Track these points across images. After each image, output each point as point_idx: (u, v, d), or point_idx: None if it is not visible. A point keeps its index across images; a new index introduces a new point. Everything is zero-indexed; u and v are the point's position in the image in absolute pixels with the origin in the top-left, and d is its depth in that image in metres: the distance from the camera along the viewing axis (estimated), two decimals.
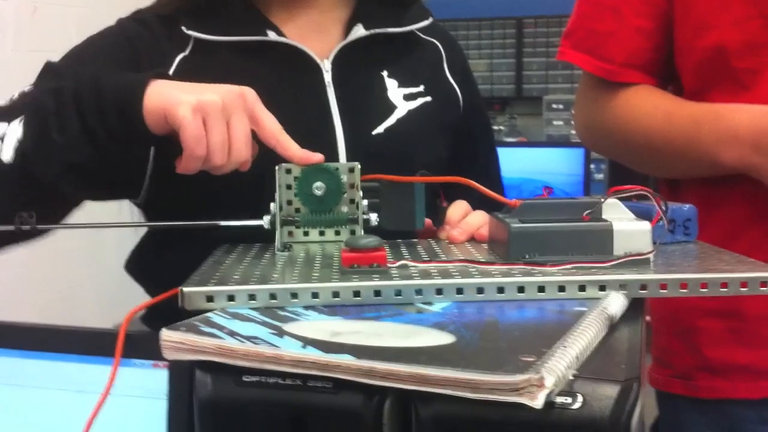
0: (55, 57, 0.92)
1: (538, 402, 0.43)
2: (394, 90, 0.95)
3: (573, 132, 3.14)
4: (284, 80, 0.91)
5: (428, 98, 0.96)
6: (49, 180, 0.76)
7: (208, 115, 0.71)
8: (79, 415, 0.57)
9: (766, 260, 0.64)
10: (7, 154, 0.76)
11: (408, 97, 0.95)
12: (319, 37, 0.94)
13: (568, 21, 1.06)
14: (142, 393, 0.64)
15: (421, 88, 0.96)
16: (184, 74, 0.87)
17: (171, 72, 0.89)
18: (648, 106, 0.99)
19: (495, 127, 3.46)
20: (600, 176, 2.68)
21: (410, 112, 0.94)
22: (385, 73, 0.95)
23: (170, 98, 0.72)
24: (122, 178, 0.85)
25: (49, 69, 0.85)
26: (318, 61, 0.91)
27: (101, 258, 0.97)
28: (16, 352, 0.67)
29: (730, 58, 0.93)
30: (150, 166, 0.86)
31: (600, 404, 0.44)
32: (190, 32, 0.89)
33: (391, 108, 0.93)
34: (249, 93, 0.74)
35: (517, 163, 2.47)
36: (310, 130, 0.88)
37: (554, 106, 3.24)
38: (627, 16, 0.99)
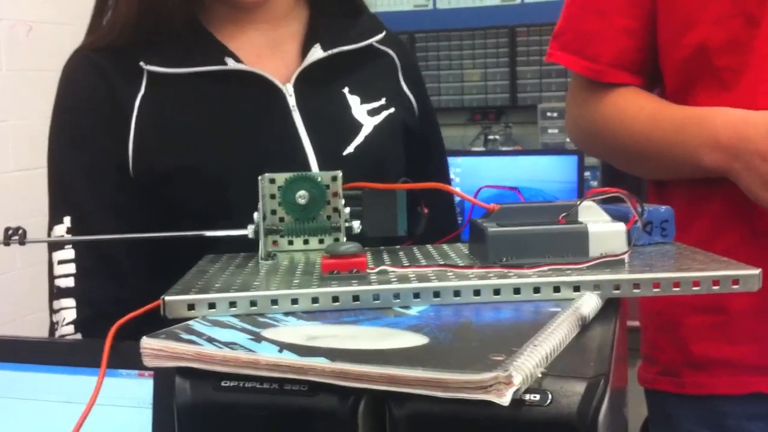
0: (50, 76, 0.94)
1: (505, 399, 0.44)
2: (357, 107, 0.96)
3: (568, 140, 3.15)
4: (248, 106, 0.92)
5: (391, 110, 0.98)
6: None
7: None
8: (66, 425, 0.58)
9: (749, 258, 0.65)
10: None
11: (372, 113, 0.97)
12: (275, 56, 0.95)
13: (557, 23, 1.07)
14: (127, 402, 0.65)
15: (383, 101, 0.98)
16: (148, 114, 0.89)
17: (134, 114, 0.90)
18: (634, 109, 1.00)
19: (490, 137, 3.48)
20: (595, 183, 2.69)
21: (376, 128, 0.96)
22: (346, 90, 0.96)
23: None
24: None
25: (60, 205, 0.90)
26: (280, 86, 0.92)
27: None
28: (2, 365, 0.68)
29: (712, 56, 0.94)
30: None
31: (567, 401, 0.45)
32: (148, 67, 0.89)
33: (357, 126, 0.95)
34: None
35: (511, 171, 2.48)
36: (282, 155, 0.90)
37: (549, 114, 3.25)
38: (613, 17, 1.00)
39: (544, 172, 2.47)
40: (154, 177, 0.90)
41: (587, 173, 2.65)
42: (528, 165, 2.52)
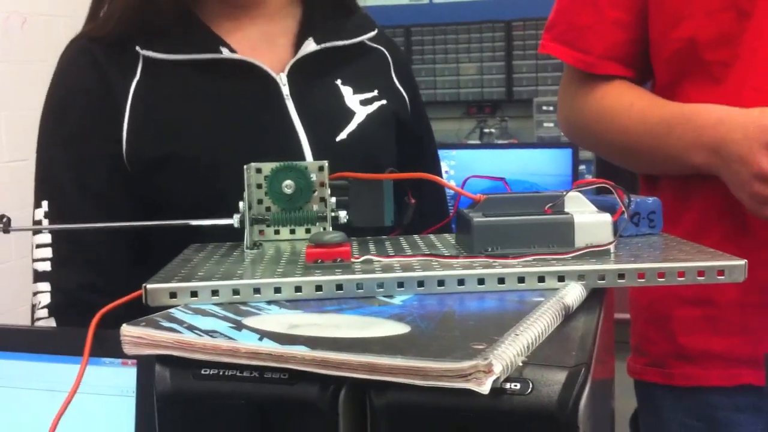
0: (44, 67, 0.94)
1: (485, 388, 0.44)
2: (350, 97, 0.97)
3: (563, 134, 3.14)
4: (242, 96, 0.92)
5: (383, 101, 0.99)
6: None
7: None
8: (49, 414, 0.58)
9: (737, 251, 0.65)
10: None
11: (364, 102, 0.98)
12: (269, 49, 0.96)
13: (550, 15, 1.07)
14: (111, 391, 0.65)
15: (375, 92, 0.99)
16: (142, 100, 0.89)
17: (129, 101, 0.90)
18: (624, 104, 1.00)
19: (486, 130, 3.47)
20: (590, 177, 2.69)
21: (369, 116, 0.97)
22: (339, 82, 0.97)
23: None
24: None
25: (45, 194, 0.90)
26: (274, 75, 0.93)
27: None
28: None
29: (702, 50, 0.94)
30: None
31: (548, 390, 0.45)
32: (144, 52, 0.90)
33: (350, 114, 0.96)
34: None
35: (506, 164, 2.48)
36: (276, 143, 0.91)
37: (545, 108, 3.24)
38: (604, 9, 1.01)
39: (538, 166, 2.46)
40: (147, 164, 0.90)
41: (582, 167, 2.65)
42: (523, 158, 2.52)
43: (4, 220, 0.72)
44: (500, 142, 3.30)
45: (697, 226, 0.94)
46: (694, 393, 0.99)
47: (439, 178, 0.73)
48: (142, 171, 0.90)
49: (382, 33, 1.05)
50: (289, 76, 0.94)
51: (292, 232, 0.76)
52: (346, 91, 0.97)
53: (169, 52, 0.91)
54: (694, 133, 0.91)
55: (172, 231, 0.75)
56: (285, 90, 0.93)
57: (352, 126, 0.95)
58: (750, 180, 0.85)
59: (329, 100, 0.96)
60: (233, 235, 0.74)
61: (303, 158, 0.91)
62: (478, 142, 3.37)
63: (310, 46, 0.95)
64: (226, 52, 0.91)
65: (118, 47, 0.91)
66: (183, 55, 0.91)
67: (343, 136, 0.94)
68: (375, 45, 1.04)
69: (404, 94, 1.04)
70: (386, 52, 1.04)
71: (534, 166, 2.45)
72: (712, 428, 0.98)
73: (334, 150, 0.92)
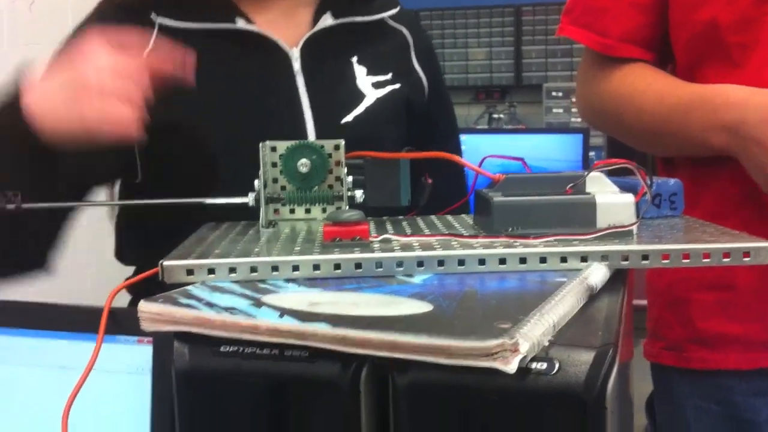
0: (52, 48, 0.92)
1: (511, 367, 0.43)
2: (362, 78, 0.95)
3: (573, 119, 3.13)
4: (252, 68, 0.91)
5: (396, 85, 0.97)
6: None
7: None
8: (63, 392, 0.57)
9: (759, 235, 0.64)
10: None
11: (377, 85, 0.96)
12: (287, 25, 0.94)
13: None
14: (126, 369, 0.64)
15: (389, 75, 0.97)
16: None
17: None
18: (642, 85, 0.99)
19: (495, 116, 3.46)
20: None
21: (378, 100, 0.95)
22: (354, 59, 0.96)
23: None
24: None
25: None
26: (287, 49, 0.92)
27: (102, 241, 0.98)
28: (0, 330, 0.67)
29: (723, 32, 0.93)
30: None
31: (575, 370, 0.44)
32: (159, 19, 0.89)
33: (359, 96, 0.94)
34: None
35: (515, 149, 2.46)
36: (280, 118, 0.90)
37: (554, 93, 3.23)
38: None
39: (548, 151, 2.45)
40: (154, 132, 0.88)
41: (592, 153, 2.64)
42: (532, 143, 2.51)
43: (18, 197, 0.71)
44: (509, 127, 3.29)
45: (715, 210, 0.93)
46: (711, 377, 0.98)
47: (457, 157, 0.72)
48: (149, 139, 0.88)
49: (405, 12, 1.03)
50: (303, 50, 0.93)
51: (308, 211, 0.75)
52: (360, 72, 0.96)
53: (184, 19, 0.90)
54: (713, 114, 0.90)
55: (176, 210, 0.74)
56: (296, 65, 0.92)
57: (359, 109, 0.94)
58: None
59: (340, 79, 0.95)
60: (237, 215, 0.74)
61: (305, 135, 0.90)
62: (486, 127, 3.35)
63: (327, 20, 0.94)
64: (240, 23, 0.91)
65: (134, 13, 0.90)
66: (198, 24, 0.90)
67: (348, 118, 0.93)
68: (396, 25, 1.02)
69: (423, 76, 1.02)
70: (407, 33, 1.02)
71: (544, 151, 2.43)
72: (729, 412, 0.97)
73: (338, 131, 0.91)
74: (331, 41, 0.94)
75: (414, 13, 1.07)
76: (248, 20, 0.91)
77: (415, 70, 1.02)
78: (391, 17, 1.00)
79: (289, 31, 0.94)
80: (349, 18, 0.95)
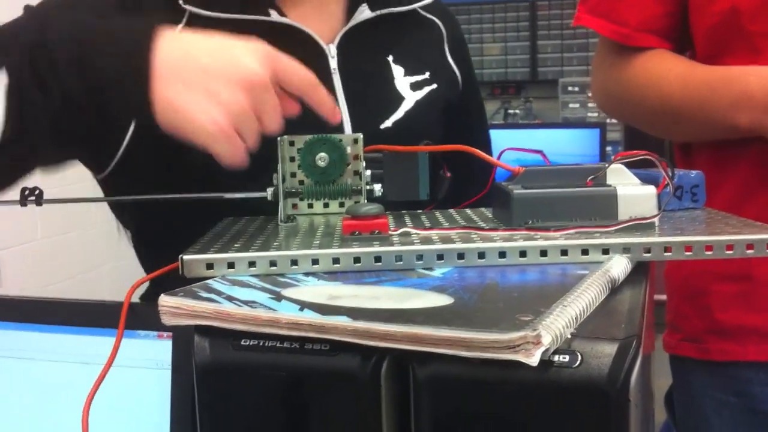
0: None
1: (534, 359, 0.42)
2: (400, 79, 0.91)
3: (589, 114, 3.11)
4: None
5: (434, 85, 0.93)
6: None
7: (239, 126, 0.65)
8: (84, 387, 0.57)
9: None
10: None
11: (414, 86, 0.92)
12: (320, 16, 0.90)
13: None
14: (146, 364, 0.64)
15: (427, 75, 0.93)
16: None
17: None
18: (662, 70, 0.98)
19: (510, 111, 3.44)
20: None
21: (417, 103, 0.91)
22: (390, 59, 0.91)
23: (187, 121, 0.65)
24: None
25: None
26: (323, 45, 0.88)
27: (120, 236, 0.97)
28: (21, 326, 0.67)
29: (744, 20, 0.92)
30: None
31: (598, 362, 0.44)
32: (188, 7, 0.84)
33: (399, 99, 0.90)
34: (268, 60, 0.68)
35: (531, 144, 2.45)
36: (318, 120, 0.86)
37: (570, 88, 3.21)
38: None
39: (565, 146, 2.44)
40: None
41: (609, 147, 2.62)
42: (549, 138, 2.50)
43: (36, 192, 0.71)
44: (525, 122, 3.27)
45: (736, 197, 0.93)
46: (730, 368, 0.98)
47: (475, 150, 0.71)
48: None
49: (439, 3, 0.99)
50: (339, 47, 0.88)
51: (326, 206, 0.75)
52: (398, 72, 0.92)
53: (215, 9, 0.84)
54: (740, 91, 0.90)
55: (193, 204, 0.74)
56: (333, 63, 0.88)
57: (399, 114, 0.89)
58: None
59: (378, 80, 0.90)
60: (255, 211, 0.73)
61: None
62: (502, 122, 3.34)
63: (364, 13, 0.89)
64: (275, 15, 0.86)
65: (163, 1, 0.85)
66: (228, 14, 0.84)
67: (388, 123, 0.89)
68: (429, 15, 0.98)
69: (457, 71, 0.98)
70: (441, 25, 0.98)
71: (561, 146, 2.42)
72: (747, 403, 0.97)
73: (377, 137, 0.83)
74: (366, 36, 0.90)
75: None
76: (281, 12, 0.86)
77: (449, 66, 0.98)
78: (425, 7, 0.96)
79: (320, 23, 0.89)
80: (387, 9, 0.90)
